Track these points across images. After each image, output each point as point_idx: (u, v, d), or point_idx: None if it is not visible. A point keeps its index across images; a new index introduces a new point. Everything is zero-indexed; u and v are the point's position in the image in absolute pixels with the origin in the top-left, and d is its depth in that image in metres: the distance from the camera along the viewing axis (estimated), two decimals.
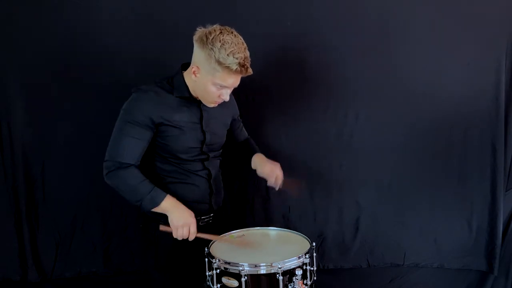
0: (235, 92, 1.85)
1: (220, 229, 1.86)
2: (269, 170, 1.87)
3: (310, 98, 2.33)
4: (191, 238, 1.70)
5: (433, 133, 2.35)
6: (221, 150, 1.94)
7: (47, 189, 2.28)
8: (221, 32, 1.61)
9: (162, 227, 1.70)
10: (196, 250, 1.73)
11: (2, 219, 2.25)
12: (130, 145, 1.70)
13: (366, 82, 2.32)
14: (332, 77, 2.32)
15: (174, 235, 1.69)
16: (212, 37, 1.60)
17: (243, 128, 2.09)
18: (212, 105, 1.77)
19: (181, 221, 1.68)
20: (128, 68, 2.22)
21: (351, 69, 2.31)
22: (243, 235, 1.87)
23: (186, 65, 1.76)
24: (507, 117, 2.33)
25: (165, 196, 1.70)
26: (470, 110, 2.32)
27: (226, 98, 1.73)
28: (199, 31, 1.65)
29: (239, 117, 2.05)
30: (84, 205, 2.31)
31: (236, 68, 1.60)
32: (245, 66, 1.62)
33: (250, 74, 1.66)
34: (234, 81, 1.67)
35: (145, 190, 1.69)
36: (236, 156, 2.08)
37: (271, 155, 2.32)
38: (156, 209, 1.71)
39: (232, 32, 1.63)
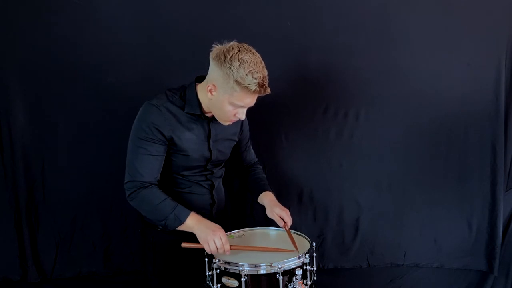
0: None
1: None
2: (277, 216, 1.83)
3: (310, 98, 2.33)
4: (227, 249, 1.63)
5: (433, 133, 2.35)
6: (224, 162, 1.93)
7: (47, 189, 2.27)
8: (239, 50, 1.55)
9: (185, 244, 1.65)
10: (195, 256, 1.71)
11: (2, 219, 2.25)
12: (147, 163, 1.67)
13: (367, 82, 2.32)
14: (332, 77, 2.31)
15: (208, 251, 1.63)
16: (230, 55, 1.54)
17: (251, 149, 2.05)
18: (227, 123, 1.74)
19: (209, 234, 1.62)
20: (129, 68, 2.22)
21: (351, 69, 2.31)
22: (243, 235, 1.87)
23: (200, 78, 1.73)
24: (507, 117, 2.33)
25: (189, 213, 1.66)
26: (470, 110, 2.32)
27: (242, 117, 1.69)
28: (216, 48, 1.60)
29: (249, 137, 2.00)
30: (84, 205, 2.30)
31: (255, 89, 1.55)
32: (264, 86, 1.57)
33: (268, 93, 1.61)
34: (251, 100, 1.62)
35: (168, 208, 1.65)
36: (242, 181, 2.07)
37: (271, 156, 2.34)
38: (182, 227, 1.66)
39: (250, 50, 1.58)
